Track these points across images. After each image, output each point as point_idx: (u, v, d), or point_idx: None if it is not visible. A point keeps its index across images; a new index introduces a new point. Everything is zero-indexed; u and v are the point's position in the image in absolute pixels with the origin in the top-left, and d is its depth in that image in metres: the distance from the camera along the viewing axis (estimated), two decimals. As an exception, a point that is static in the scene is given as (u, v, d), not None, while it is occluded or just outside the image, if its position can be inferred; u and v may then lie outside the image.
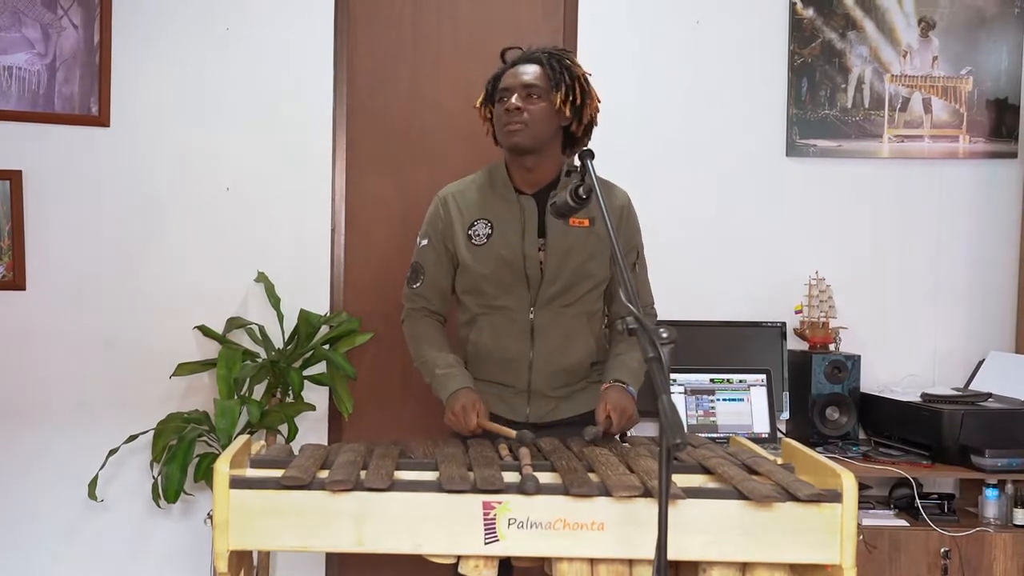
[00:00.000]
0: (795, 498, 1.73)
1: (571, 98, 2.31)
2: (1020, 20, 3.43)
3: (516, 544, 1.75)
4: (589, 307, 2.36)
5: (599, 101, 2.39)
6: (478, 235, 2.33)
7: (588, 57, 3.36)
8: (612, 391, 2.22)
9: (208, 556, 3.09)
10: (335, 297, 3.36)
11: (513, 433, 2.16)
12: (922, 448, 3.05)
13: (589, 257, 2.31)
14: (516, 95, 2.28)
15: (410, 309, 2.44)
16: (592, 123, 2.38)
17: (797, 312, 3.31)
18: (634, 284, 1.73)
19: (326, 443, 3.20)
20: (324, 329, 3.24)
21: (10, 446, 3.22)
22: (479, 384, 2.35)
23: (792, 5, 3.40)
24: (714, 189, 3.42)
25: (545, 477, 1.84)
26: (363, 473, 1.80)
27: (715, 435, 3.08)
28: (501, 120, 2.31)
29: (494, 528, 1.74)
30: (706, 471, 1.94)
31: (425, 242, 2.41)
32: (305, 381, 3.12)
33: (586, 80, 2.36)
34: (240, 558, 1.88)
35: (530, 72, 2.30)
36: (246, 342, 3.23)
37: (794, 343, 3.34)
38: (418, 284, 2.41)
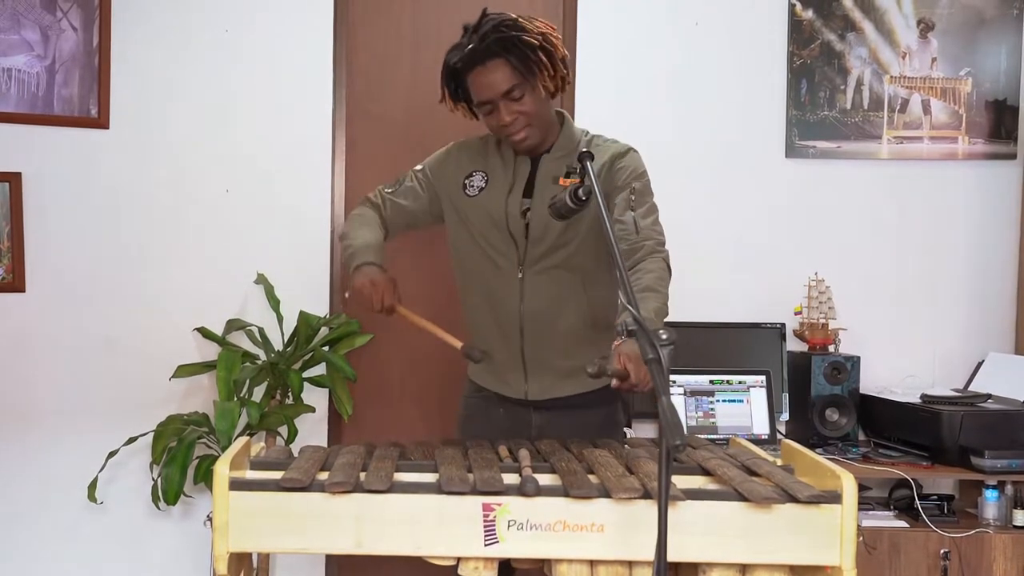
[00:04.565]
0: (795, 499, 1.73)
1: (548, 72, 2.18)
2: (1019, 21, 3.43)
3: (516, 546, 1.75)
4: (585, 272, 2.28)
5: (564, 51, 2.23)
6: (473, 186, 2.32)
7: (587, 57, 3.38)
8: (625, 344, 1.99)
9: (208, 558, 3.08)
10: (335, 299, 3.36)
11: (458, 344, 2.20)
12: (922, 449, 3.05)
13: (577, 218, 2.20)
14: (502, 108, 2.18)
15: (367, 200, 2.46)
16: (567, 72, 2.24)
17: (796, 313, 3.32)
18: (631, 286, 1.71)
19: (326, 445, 3.20)
20: (324, 331, 3.24)
21: (9, 448, 3.22)
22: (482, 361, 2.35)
23: (791, 6, 3.41)
24: (713, 190, 3.42)
25: (545, 479, 1.83)
26: (363, 475, 1.80)
27: (715, 436, 3.08)
28: (500, 133, 2.26)
29: (494, 530, 1.74)
30: (706, 472, 1.94)
31: (419, 167, 2.42)
32: (305, 383, 3.12)
33: (548, 40, 2.19)
34: (240, 560, 1.88)
35: (500, 75, 2.16)
36: (246, 344, 3.23)
37: (793, 344, 3.34)
38: (391, 190, 2.42)
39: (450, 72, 2.25)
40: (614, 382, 1.89)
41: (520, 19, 2.19)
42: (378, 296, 2.21)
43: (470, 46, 2.17)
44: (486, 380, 2.35)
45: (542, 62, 2.17)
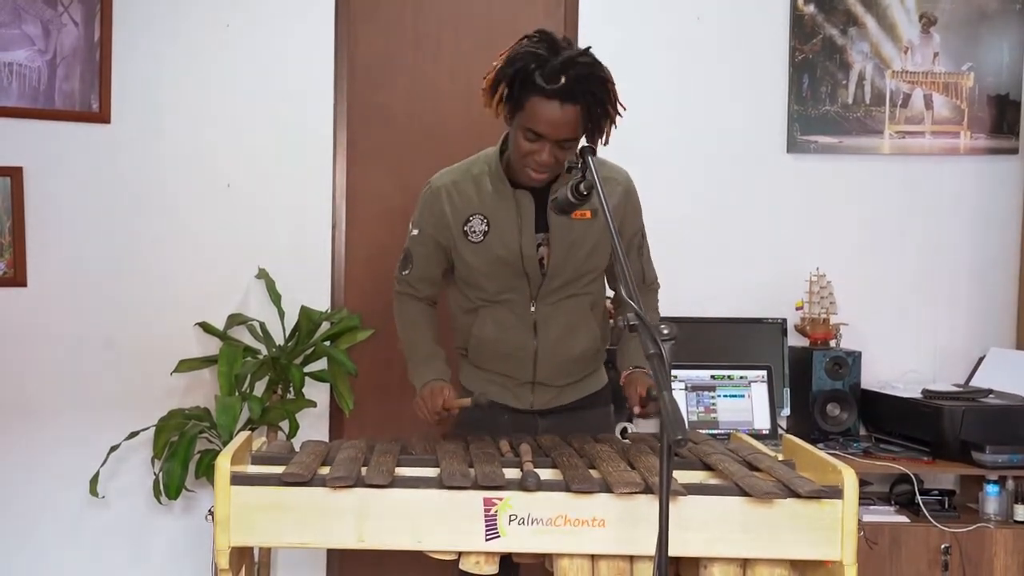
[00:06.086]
0: (796, 494, 1.73)
1: (601, 139, 2.09)
2: (1021, 16, 3.42)
3: (517, 540, 1.75)
4: (592, 296, 2.32)
5: (622, 109, 2.10)
6: (474, 231, 2.24)
7: (589, 53, 3.37)
8: (638, 377, 2.13)
9: (209, 552, 3.08)
10: (336, 293, 3.37)
11: (467, 402, 2.18)
12: (923, 444, 3.05)
13: (593, 250, 2.24)
14: (548, 149, 2.06)
15: (399, 292, 2.43)
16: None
17: (798, 308, 3.31)
18: (634, 278, 1.71)
19: (327, 440, 3.20)
20: (325, 325, 3.24)
21: (11, 442, 3.22)
22: (484, 375, 2.34)
23: (793, 1, 3.40)
24: (715, 185, 3.42)
25: (546, 473, 1.84)
26: (364, 469, 1.80)
27: (716, 431, 3.08)
28: (523, 160, 2.12)
29: (495, 524, 1.74)
30: (707, 467, 1.94)
31: (416, 232, 2.33)
32: (306, 378, 3.13)
33: (619, 114, 2.10)
34: (241, 554, 1.89)
35: (569, 121, 2.03)
36: (247, 339, 3.23)
37: (795, 339, 3.34)
38: (407, 271, 2.37)
39: (521, 78, 2.02)
40: (637, 409, 2.06)
41: (610, 82, 2.06)
42: (430, 412, 2.20)
43: (561, 77, 1.99)
44: (493, 393, 2.33)
45: (604, 132, 2.09)
